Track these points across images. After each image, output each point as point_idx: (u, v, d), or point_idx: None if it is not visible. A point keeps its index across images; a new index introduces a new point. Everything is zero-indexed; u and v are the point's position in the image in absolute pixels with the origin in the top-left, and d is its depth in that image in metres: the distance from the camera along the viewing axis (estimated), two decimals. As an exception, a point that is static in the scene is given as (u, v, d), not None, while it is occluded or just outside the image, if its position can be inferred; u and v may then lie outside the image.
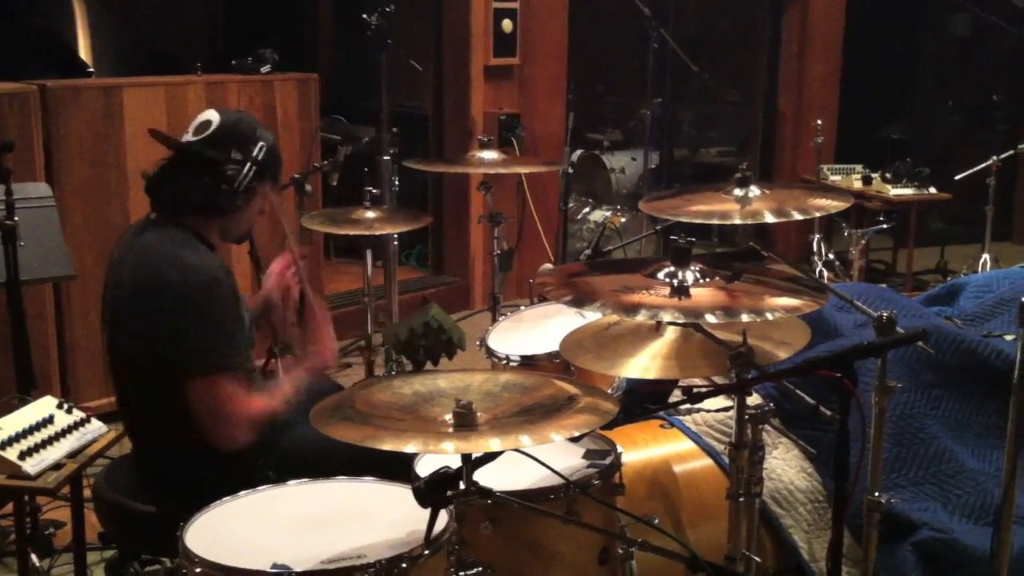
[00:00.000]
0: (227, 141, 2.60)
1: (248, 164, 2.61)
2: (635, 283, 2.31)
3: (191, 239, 2.57)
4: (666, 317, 2.20)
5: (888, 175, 6.29)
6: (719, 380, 2.43)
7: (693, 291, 2.27)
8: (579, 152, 7.05)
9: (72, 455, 2.70)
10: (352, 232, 3.82)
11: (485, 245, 5.98)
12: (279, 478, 2.37)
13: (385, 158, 4.48)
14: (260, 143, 2.63)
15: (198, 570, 2.00)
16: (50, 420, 2.73)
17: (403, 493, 2.17)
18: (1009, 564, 2.38)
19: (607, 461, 2.44)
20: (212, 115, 2.65)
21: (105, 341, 2.68)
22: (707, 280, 2.31)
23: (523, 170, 5.18)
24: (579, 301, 2.27)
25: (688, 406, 2.49)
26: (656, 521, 2.36)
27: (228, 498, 2.25)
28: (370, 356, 4.12)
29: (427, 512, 1.93)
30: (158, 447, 2.63)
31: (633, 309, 2.18)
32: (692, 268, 2.33)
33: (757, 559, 2.38)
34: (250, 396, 2.52)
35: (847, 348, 2.10)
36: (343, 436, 1.99)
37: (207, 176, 2.58)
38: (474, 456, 1.97)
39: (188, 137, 2.63)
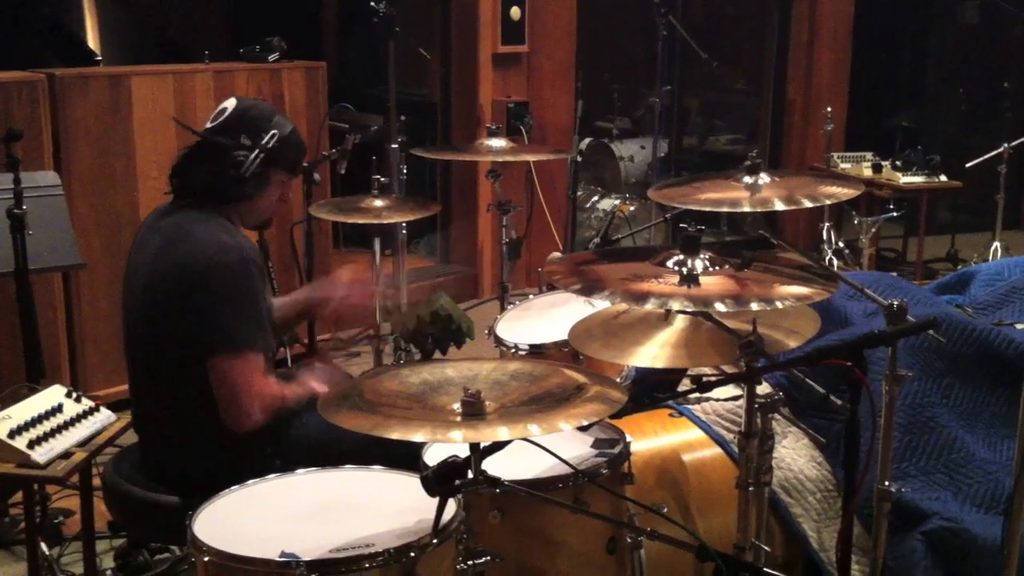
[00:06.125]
0: (237, 127, 2.65)
1: (256, 151, 2.63)
2: (644, 271, 2.30)
3: (221, 220, 2.63)
4: (675, 306, 2.18)
5: (898, 163, 6.26)
6: (728, 369, 2.41)
7: (703, 279, 2.25)
8: (588, 140, 7.02)
9: (81, 444, 2.71)
10: (360, 221, 3.82)
11: (494, 233, 5.97)
12: (286, 467, 2.37)
13: (393, 146, 4.47)
14: (272, 131, 2.67)
15: (206, 559, 2.01)
16: (59, 409, 2.73)
17: (411, 482, 2.17)
18: (1020, 554, 2.37)
19: (616, 450, 2.44)
20: (230, 102, 2.72)
21: (124, 324, 2.70)
22: (717, 268, 2.30)
23: (531, 158, 5.16)
24: (588, 289, 2.25)
25: (697, 395, 2.49)
26: (665, 510, 2.35)
27: (236, 487, 2.25)
28: (379, 345, 4.12)
29: (435, 501, 1.93)
30: (168, 435, 2.64)
31: (642, 298, 2.17)
32: (702, 256, 2.31)
33: (766, 548, 2.37)
34: (268, 377, 2.55)
35: (857, 337, 2.09)
36: (351, 425, 1.99)
37: (216, 162, 2.63)
38: (482, 445, 1.97)
39: (207, 125, 2.69)
